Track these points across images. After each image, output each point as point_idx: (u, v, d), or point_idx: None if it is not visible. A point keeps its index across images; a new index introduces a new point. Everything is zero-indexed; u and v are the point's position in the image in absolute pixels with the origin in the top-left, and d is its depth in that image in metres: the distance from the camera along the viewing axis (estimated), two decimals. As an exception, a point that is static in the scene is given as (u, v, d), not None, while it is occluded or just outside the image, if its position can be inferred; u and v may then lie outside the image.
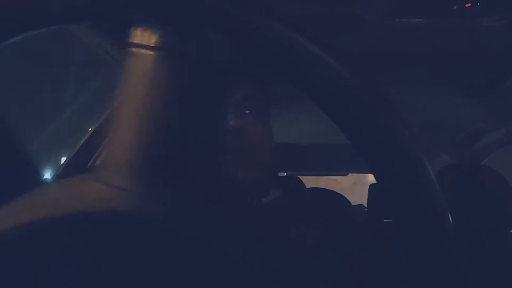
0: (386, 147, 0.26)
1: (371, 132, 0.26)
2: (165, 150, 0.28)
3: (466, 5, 0.96)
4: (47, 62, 1.36)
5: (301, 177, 1.66)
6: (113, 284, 0.25)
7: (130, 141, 0.27)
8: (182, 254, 0.25)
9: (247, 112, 0.63)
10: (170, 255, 0.25)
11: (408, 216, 0.26)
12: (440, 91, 1.48)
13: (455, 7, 0.97)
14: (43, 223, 0.24)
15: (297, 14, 0.28)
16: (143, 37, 0.28)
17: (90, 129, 1.33)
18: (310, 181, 1.93)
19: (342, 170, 3.14)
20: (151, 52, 0.28)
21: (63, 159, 1.37)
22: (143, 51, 0.28)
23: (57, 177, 1.23)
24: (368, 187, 1.85)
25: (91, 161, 1.24)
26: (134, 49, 0.28)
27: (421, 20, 1.04)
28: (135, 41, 0.28)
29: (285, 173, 2.13)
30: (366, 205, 1.85)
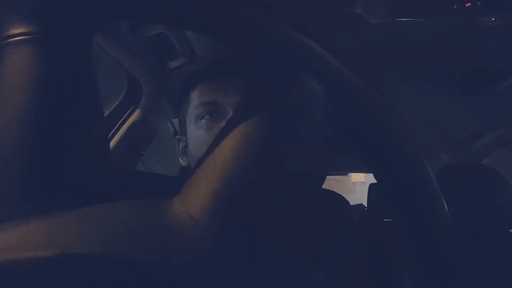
0: (386, 148, 0.26)
1: (371, 132, 0.26)
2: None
3: (466, 5, 0.96)
4: None
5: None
6: None
7: None
8: None
9: None
10: None
11: (408, 216, 0.26)
12: (440, 91, 1.48)
13: (455, 6, 0.97)
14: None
15: (297, 14, 0.28)
16: (10, 29, 0.27)
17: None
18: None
19: (342, 170, 3.14)
20: (18, 42, 0.27)
21: None
22: (12, 41, 0.27)
23: None
24: (368, 187, 1.85)
25: None
26: (4, 42, 0.27)
27: (421, 20, 1.04)
28: (4, 33, 0.28)
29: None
30: (366, 205, 1.85)
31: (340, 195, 0.98)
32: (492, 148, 1.90)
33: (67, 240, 0.23)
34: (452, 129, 1.84)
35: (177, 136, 0.76)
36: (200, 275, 0.25)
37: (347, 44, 1.06)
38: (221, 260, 0.25)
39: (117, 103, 1.33)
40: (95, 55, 0.31)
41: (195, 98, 0.70)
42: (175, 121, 1.51)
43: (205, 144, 0.38)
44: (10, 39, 0.27)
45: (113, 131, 1.28)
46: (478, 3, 0.96)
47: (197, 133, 0.68)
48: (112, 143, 1.25)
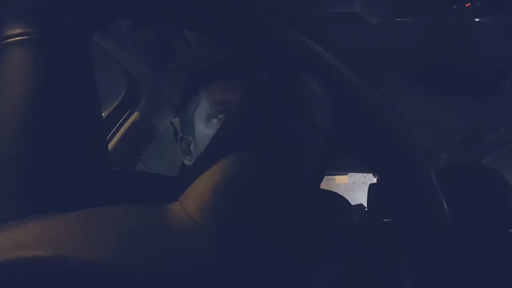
0: (386, 148, 0.26)
1: (371, 132, 0.26)
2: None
3: (466, 5, 0.96)
4: None
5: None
6: None
7: None
8: None
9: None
10: None
11: (408, 216, 0.26)
12: (439, 90, 1.47)
13: (454, 7, 0.97)
14: None
15: (297, 14, 0.28)
16: (9, 29, 0.27)
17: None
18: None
19: (342, 170, 3.14)
20: (17, 43, 0.27)
21: None
22: (10, 41, 0.27)
23: None
24: (368, 187, 1.85)
25: None
26: (3, 42, 0.28)
27: (421, 20, 1.04)
28: (3, 34, 0.28)
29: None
30: (366, 205, 1.85)
31: (341, 196, 0.98)
32: (492, 148, 1.90)
33: (66, 241, 0.23)
34: (452, 129, 1.84)
35: (179, 136, 0.75)
36: (200, 276, 0.25)
37: (347, 44, 1.06)
38: (221, 260, 0.25)
39: (117, 103, 1.33)
40: (95, 55, 0.31)
41: (205, 98, 0.69)
42: (175, 121, 1.51)
43: None
44: (9, 40, 0.27)
45: (113, 131, 1.28)
46: (478, 3, 0.96)
47: (207, 132, 0.68)
48: (112, 143, 1.25)
